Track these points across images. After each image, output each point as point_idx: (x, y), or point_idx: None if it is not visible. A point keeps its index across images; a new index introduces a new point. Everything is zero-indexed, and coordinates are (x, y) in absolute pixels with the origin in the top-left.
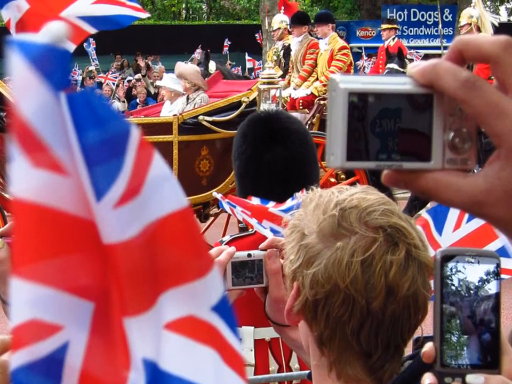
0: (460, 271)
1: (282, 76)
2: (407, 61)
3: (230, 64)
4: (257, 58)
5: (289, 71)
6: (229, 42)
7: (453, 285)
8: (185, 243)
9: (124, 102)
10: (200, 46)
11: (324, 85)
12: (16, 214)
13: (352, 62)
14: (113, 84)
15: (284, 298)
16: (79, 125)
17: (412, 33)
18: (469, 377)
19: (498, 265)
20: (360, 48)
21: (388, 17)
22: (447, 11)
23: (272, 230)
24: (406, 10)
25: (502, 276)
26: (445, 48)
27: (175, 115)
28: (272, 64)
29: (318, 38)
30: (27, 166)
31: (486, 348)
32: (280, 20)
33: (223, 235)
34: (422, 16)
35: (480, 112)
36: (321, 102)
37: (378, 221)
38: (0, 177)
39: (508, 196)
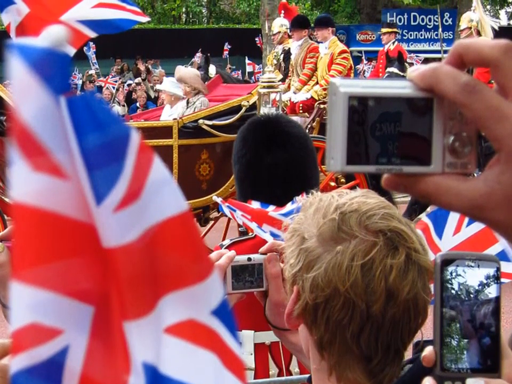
0: (459, 275)
1: (282, 80)
2: (407, 64)
3: (230, 68)
4: (257, 62)
5: (289, 75)
6: (229, 46)
7: (453, 288)
8: (185, 247)
9: (123, 106)
10: (200, 50)
11: (324, 89)
12: (16, 218)
13: (352, 66)
14: (113, 87)
15: (284, 302)
16: (79, 128)
17: (412, 37)
18: (469, 381)
19: (498, 269)
20: (360, 52)
21: (388, 21)
22: (447, 15)
23: (272, 234)
24: (406, 14)
25: (502, 279)
26: (445, 52)
27: (175, 119)
28: (272, 68)
29: (318, 42)
30: (27, 170)
31: (486, 352)
32: (280, 23)
33: (223, 239)
34: (422, 20)
35: (480, 116)
36: (321, 106)
37: (378, 225)
38: (0, 181)
39: (508, 200)
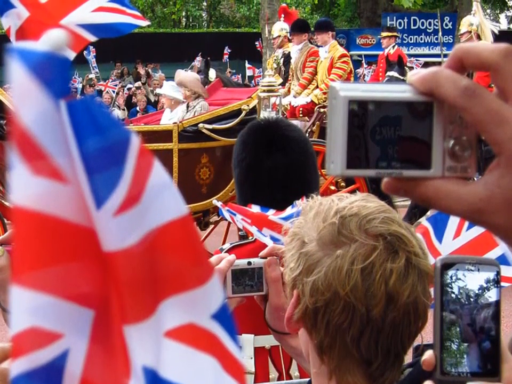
0: (460, 279)
1: (282, 84)
2: (407, 68)
3: (230, 72)
4: (257, 66)
5: (289, 79)
6: (229, 50)
7: (453, 292)
8: (185, 251)
9: (124, 109)
10: (200, 53)
11: (324, 93)
12: (16, 221)
13: (352, 69)
14: (113, 91)
15: (284, 306)
16: (79, 132)
17: (412, 41)
18: None
19: (498, 273)
20: (360, 56)
21: (388, 25)
22: (447, 19)
23: (272, 238)
24: (406, 18)
25: (502, 283)
26: (445, 56)
27: (175, 123)
28: (272, 72)
29: (318, 46)
30: (27, 173)
31: (486, 356)
32: (280, 27)
33: (223, 243)
34: (422, 24)
35: (480, 119)
36: (321, 110)
37: (378, 229)
38: (0, 185)
39: (507, 203)
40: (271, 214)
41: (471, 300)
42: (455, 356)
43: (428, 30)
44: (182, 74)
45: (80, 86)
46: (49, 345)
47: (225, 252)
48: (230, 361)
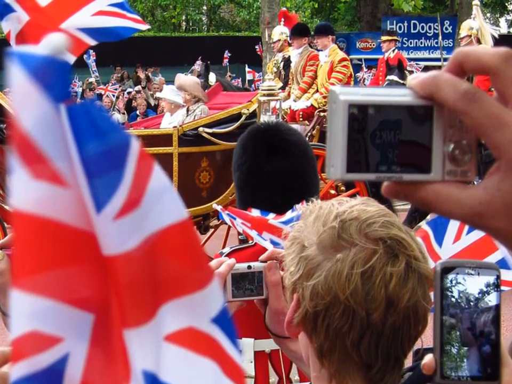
0: (460, 283)
1: (282, 88)
2: (407, 72)
3: (230, 75)
4: (257, 70)
5: (289, 82)
6: (229, 54)
7: (453, 296)
8: (185, 255)
9: (123, 113)
10: (200, 57)
11: (324, 97)
12: (16, 225)
13: (352, 73)
14: (113, 95)
15: (284, 310)
16: (79, 136)
17: (412, 45)
18: None
19: (498, 277)
20: (360, 60)
21: (388, 29)
22: (447, 23)
23: (272, 242)
24: (406, 22)
25: (502, 287)
26: (445, 60)
27: (175, 127)
28: (272, 76)
29: (318, 50)
30: (27, 177)
31: (486, 360)
32: (280, 31)
33: (223, 247)
34: (422, 28)
35: (480, 123)
36: (321, 114)
37: (378, 233)
38: (0, 189)
39: (507, 207)
40: (271, 218)
41: (471, 303)
42: (455, 360)
43: (428, 34)
44: (182, 78)
45: (80, 90)
46: (49, 349)
47: (225, 256)
48: (230, 365)
